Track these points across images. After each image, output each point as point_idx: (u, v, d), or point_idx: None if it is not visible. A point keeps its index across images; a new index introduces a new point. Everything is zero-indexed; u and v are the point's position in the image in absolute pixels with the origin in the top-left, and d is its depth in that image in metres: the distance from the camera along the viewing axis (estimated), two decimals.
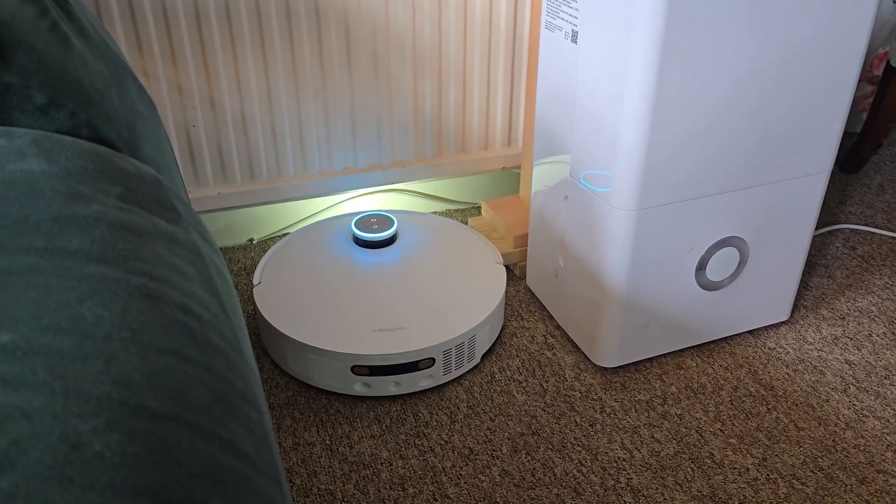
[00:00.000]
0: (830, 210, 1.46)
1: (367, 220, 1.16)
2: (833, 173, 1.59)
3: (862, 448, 0.94)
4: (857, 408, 1.00)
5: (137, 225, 0.46)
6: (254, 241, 1.34)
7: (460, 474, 0.90)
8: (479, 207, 1.47)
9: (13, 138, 0.46)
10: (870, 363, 1.07)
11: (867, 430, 0.96)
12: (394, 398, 1.00)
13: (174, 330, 0.39)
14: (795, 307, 1.19)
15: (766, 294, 1.09)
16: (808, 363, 1.07)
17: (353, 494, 0.87)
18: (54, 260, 0.39)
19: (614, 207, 0.93)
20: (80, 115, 0.52)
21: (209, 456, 0.33)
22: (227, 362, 0.41)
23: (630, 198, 0.91)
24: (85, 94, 0.53)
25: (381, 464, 0.91)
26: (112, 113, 0.55)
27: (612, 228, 0.94)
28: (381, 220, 1.16)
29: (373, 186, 1.31)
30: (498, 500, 0.87)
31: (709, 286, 1.03)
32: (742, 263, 1.03)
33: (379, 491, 0.88)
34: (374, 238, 1.13)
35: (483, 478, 0.89)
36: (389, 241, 1.14)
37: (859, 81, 1.61)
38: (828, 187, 1.54)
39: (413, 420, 0.97)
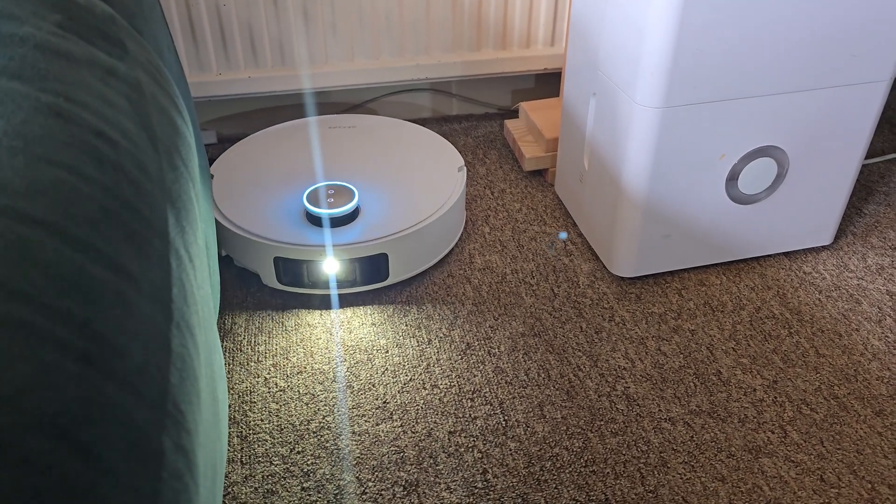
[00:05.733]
0: None
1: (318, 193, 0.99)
2: None
3: (886, 380, 0.88)
4: (889, 340, 0.93)
5: (69, 51, 0.44)
6: None
7: (454, 367, 0.89)
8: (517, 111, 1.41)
9: None
10: None
11: None
12: (400, 291, 1.00)
13: (77, 149, 0.38)
14: (841, 232, 1.10)
15: (806, 214, 1.01)
16: (844, 290, 1.00)
17: (346, 377, 0.88)
18: None
19: (638, 104, 0.86)
20: None
21: (74, 263, 0.33)
22: (136, 190, 0.40)
23: (655, 94, 0.85)
24: None
25: (377, 351, 0.91)
26: None
27: (635, 127, 0.88)
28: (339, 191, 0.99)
29: (409, 80, 1.27)
30: (486, 394, 0.86)
31: (741, 199, 0.97)
32: (780, 177, 0.96)
33: (371, 376, 0.88)
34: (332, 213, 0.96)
35: (476, 373, 0.88)
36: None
37: None
38: None
39: (416, 312, 0.97)
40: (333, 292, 0.98)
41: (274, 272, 0.96)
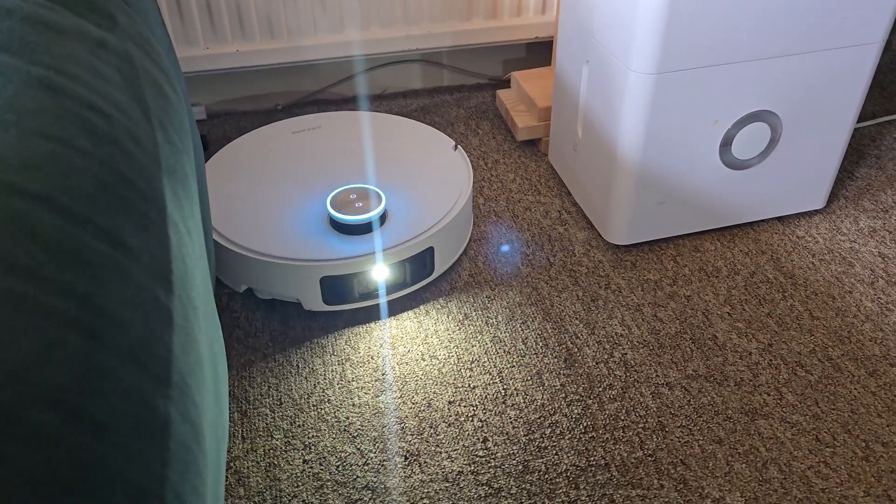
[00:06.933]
0: (893, 98, 1.34)
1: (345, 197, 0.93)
2: None
3: (879, 341, 0.89)
4: (881, 301, 0.94)
5: (57, 23, 0.44)
6: (279, 107, 1.32)
7: (452, 337, 0.89)
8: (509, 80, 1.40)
9: None
10: None
11: (888, 324, 0.90)
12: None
13: (71, 122, 0.38)
14: (834, 196, 1.11)
15: (799, 178, 1.01)
16: (836, 253, 1.01)
17: (344, 350, 0.88)
18: None
19: (632, 70, 0.86)
20: None
21: (73, 237, 0.32)
22: (130, 162, 0.39)
23: (649, 60, 0.84)
24: None
25: (376, 323, 0.91)
26: None
27: (628, 93, 0.88)
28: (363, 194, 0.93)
29: (399, 51, 1.26)
30: (485, 363, 0.86)
31: (735, 164, 0.97)
32: (773, 142, 0.96)
33: (370, 348, 0.88)
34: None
35: (474, 342, 0.89)
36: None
37: None
38: None
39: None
40: (383, 300, 0.92)
41: (320, 294, 0.88)
